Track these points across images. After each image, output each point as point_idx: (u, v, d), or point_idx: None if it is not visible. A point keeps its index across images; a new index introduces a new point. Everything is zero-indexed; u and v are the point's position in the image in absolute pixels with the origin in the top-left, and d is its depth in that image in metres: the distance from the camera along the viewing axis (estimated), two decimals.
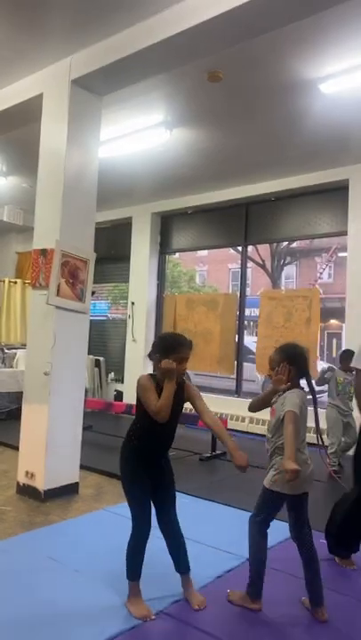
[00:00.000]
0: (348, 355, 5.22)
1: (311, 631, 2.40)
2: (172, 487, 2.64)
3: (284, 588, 2.75)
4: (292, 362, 2.57)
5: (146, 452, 2.54)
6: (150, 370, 2.67)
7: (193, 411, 2.63)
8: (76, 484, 4.27)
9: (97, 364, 8.97)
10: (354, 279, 6.35)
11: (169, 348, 2.48)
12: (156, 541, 2.52)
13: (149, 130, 5.41)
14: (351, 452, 4.86)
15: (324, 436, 5.02)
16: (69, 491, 4.17)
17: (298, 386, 2.61)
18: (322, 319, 6.97)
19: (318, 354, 6.92)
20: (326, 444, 5.01)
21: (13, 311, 8.83)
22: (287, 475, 2.33)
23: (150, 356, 2.57)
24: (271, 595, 2.61)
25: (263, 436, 2.77)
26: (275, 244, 14.13)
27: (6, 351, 7.96)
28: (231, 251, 12.45)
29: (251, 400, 2.76)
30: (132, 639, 2.26)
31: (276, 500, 2.55)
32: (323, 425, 5.43)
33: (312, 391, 2.66)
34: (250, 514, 2.65)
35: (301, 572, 2.58)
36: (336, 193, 6.62)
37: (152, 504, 2.56)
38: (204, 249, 11.77)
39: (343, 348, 6.40)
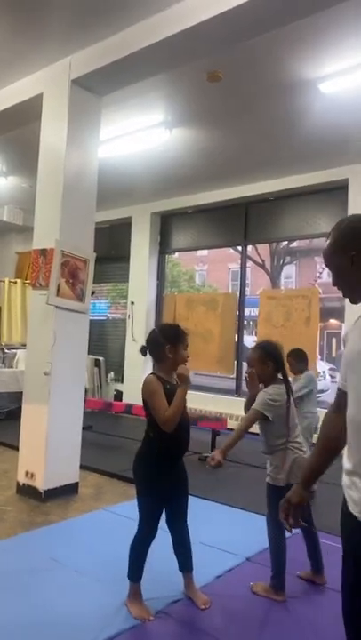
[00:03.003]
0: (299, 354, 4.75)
1: (312, 631, 2.40)
2: (187, 493, 2.64)
3: (285, 587, 2.76)
4: (270, 358, 2.70)
5: (166, 459, 2.50)
6: (149, 368, 2.64)
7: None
8: (76, 483, 4.27)
9: (97, 363, 8.97)
10: None
11: (177, 336, 2.51)
12: (157, 541, 2.52)
13: (149, 130, 5.41)
14: None
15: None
16: (69, 491, 4.17)
17: (276, 380, 2.69)
18: (321, 319, 6.97)
19: (318, 353, 6.92)
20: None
21: (14, 311, 8.83)
22: (210, 460, 2.54)
23: (154, 348, 2.53)
24: None
25: None
26: (274, 244, 14.13)
27: (6, 351, 7.96)
28: (231, 250, 12.44)
29: (244, 403, 2.89)
30: (132, 639, 2.27)
31: (282, 493, 2.61)
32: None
33: (287, 386, 2.74)
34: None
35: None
36: (335, 193, 6.63)
37: (164, 508, 2.56)
38: (204, 249, 11.76)
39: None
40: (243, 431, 2.65)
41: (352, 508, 1.34)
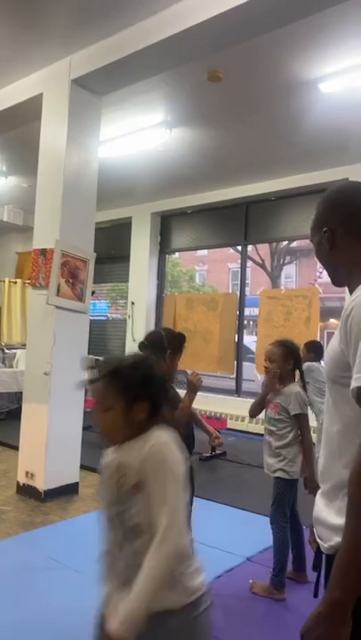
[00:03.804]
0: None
1: None
2: (193, 492, 2.66)
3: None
4: (292, 356, 2.74)
5: None
6: None
7: None
8: (76, 483, 4.27)
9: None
10: None
11: (179, 347, 2.53)
12: None
13: (149, 129, 5.41)
14: None
15: None
16: (69, 490, 4.17)
17: (291, 379, 2.76)
18: (321, 318, 6.97)
19: None
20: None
21: (14, 311, 8.83)
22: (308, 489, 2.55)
23: (155, 349, 2.50)
24: None
25: (263, 435, 2.87)
26: (274, 244, 14.14)
27: (6, 351, 7.96)
28: (231, 250, 12.44)
29: (250, 406, 2.87)
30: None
31: (292, 486, 2.69)
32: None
33: (304, 384, 2.86)
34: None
35: None
36: None
37: None
38: (204, 248, 11.76)
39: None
40: (312, 443, 2.69)
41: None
